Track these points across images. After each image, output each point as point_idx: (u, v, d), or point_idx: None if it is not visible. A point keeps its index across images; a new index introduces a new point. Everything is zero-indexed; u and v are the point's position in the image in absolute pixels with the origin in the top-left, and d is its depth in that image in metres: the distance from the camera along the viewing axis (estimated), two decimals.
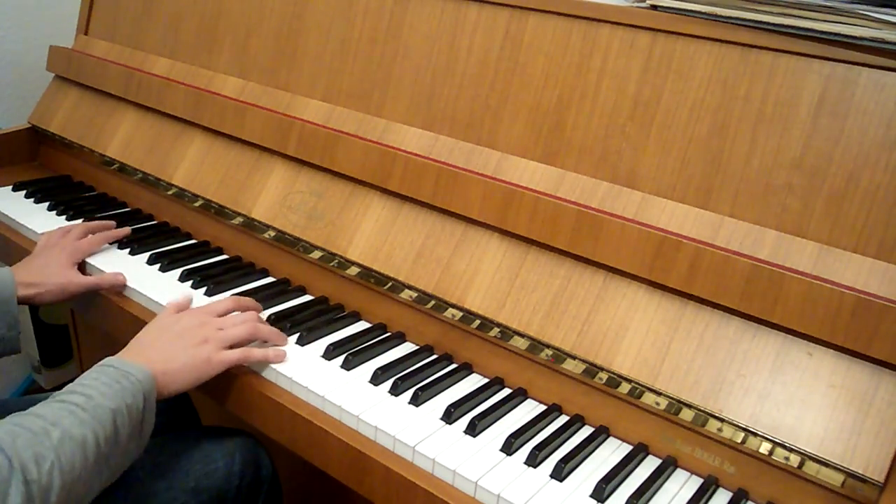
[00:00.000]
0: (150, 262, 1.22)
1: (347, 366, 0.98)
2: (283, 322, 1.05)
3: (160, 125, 1.42)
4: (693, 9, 0.91)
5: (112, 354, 0.87)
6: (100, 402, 0.76)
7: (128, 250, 1.25)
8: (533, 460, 0.85)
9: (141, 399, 0.81)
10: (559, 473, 0.83)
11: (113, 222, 1.30)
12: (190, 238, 1.35)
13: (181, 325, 0.95)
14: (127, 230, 1.28)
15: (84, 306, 1.19)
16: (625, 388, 0.89)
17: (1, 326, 1.03)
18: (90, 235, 1.23)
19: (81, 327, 1.80)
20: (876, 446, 0.77)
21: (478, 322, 1.00)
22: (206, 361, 0.91)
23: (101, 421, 0.75)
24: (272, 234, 1.22)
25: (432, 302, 1.04)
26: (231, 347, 0.95)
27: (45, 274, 1.11)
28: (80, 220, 1.35)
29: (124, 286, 1.15)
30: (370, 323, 1.11)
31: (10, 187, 1.47)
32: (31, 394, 1.98)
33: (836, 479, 0.78)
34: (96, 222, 1.29)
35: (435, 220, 1.07)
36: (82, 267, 1.20)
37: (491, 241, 1.02)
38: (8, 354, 1.06)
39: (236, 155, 1.30)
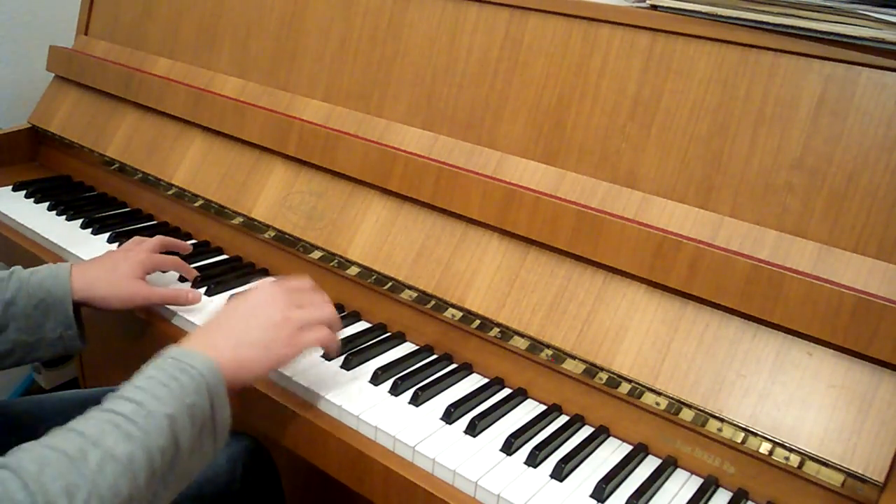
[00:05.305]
0: None
1: (347, 366, 0.98)
2: None
3: (160, 125, 1.42)
4: (693, 9, 0.91)
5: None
6: (152, 408, 0.67)
7: None
8: (533, 460, 0.85)
9: (205, 395, 0.72)
10: (559, 473, 0.83)
11: (189, 245, 1.21)
12: (190, 238, 1.34)
13: (254, 301, 0.84)
14: (196, 273, 1.16)
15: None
16: (625, 388, 0.89)
17: (57, 326, 0.95)
18: (160, 254, 1.12)
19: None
20: (876, 446, 0.77)
21: (478, 322, 1.00)
22: (285, 343, 0.81)
23: (152, 432, 0.66)
24: (272, 234, 1.22)
25: (432, 302, 1.04)
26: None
27: (112, 277, 1.01)
28: (80, 220, 1.34)
29: (199, 302, 1.07)
30: (370, 323, 1.11)
31: (10, 187, 1.47)
32: (31, 394, 1.98)
33: (836, 479, 0.78)
34: (172, 239, 1.18)
35: (435, 220, 1.07)
36: None
37: (491, 241, 1.02)
38: (70, 354, 0.98)
39: (236, 155, 1.30)
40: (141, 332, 1.11)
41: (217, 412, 0.73)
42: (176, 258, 1.14)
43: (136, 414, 0.66)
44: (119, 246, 1.26)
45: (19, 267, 0.98)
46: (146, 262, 1.06)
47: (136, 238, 1.13)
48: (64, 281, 0.97)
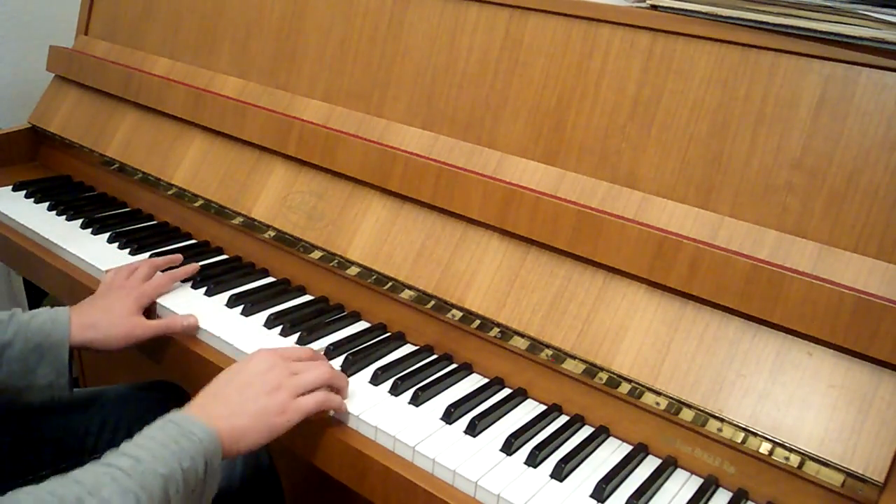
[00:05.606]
0: None
1: (347, 366, 0.98)
2: (283, 322, 1.06)
3: (160, 125, 1.42)
4: (693, 9, 0.91)
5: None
6: (150, 466, 0.69)
7: (127, 251, 1.25)
8: (533, 460, 0.85)
9: (201, 462, 0.73)
10: (559, 473, 0.83)
11: (179, 256, 1.20)
12: (190, 238, 1.35)
13: (249, 370, 0.85)
14: (196, 266, 1.17)
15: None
16: (625, 388, 0.89)
17: (49, 373, 0.95)
18: (157, 274, 1.13)
19: None
20: (876, 446, 0.77)
21: (478, 322, 1.00)
22: (279, 412, 0.82)
23: (147, 488, 0.68)
24: (272, 234, 1.22)
25: (432, 302, 1.04)
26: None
27: (109, 318, 1.01)
28: (80, 220, 1.34)
29: (197, 328, 1.05)
30: (370, 323, 1.11)
31: (10, 187, 1.47)
32: None
33: (836, 479, 0.78)
34: (163, 259, 1.17)
35: (435, 220, 1.07)
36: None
37: (491, 241, 1.02)
38: (56, 402, 0.98)
39: (236, 155, 1.30)
40: None
41: (208, 481, 0.74)
42: (169, 273, 1.14)
43: (133, 468, 0.68)
44: (119, 247, 1.27)
45: (19, 310, 0.97)
46: (140, 297, 1.06)
47: (128, 267, 1.13)
48: (63, 326, 0.96)
